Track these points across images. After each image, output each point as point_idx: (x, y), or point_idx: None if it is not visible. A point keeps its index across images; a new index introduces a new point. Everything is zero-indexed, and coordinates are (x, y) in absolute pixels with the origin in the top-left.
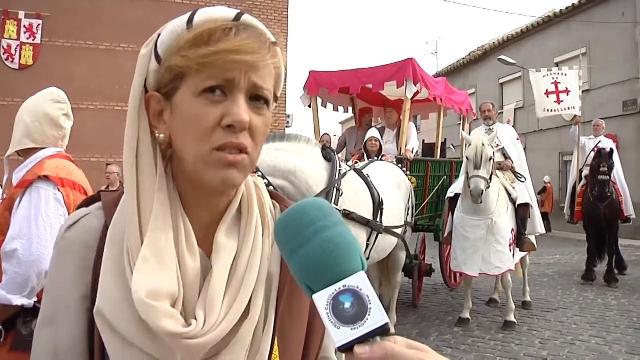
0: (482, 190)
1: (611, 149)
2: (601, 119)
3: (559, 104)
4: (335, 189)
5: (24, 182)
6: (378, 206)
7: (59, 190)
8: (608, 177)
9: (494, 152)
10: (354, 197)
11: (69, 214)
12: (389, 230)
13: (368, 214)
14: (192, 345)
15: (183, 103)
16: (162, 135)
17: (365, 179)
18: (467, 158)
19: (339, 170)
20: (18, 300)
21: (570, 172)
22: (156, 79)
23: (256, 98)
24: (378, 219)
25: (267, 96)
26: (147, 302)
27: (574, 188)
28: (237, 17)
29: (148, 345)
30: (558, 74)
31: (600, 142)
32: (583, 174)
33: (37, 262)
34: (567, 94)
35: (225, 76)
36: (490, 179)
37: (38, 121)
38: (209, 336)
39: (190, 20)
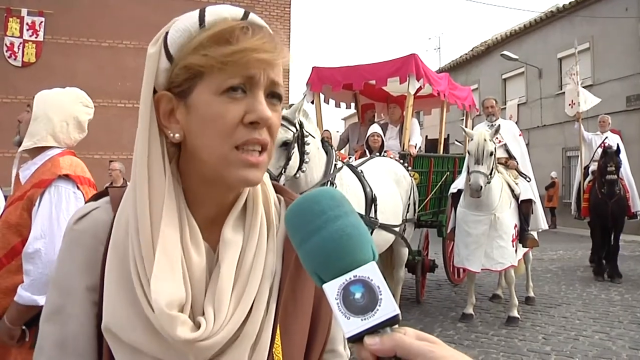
0: (481, 186)
1: (617, 147)
2: (605, 114)
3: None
4: (330, 183)
5: (42, 182)
6: (371, 202)
7: (78, 188)
8: (616, 176)
9: (495, 147)
10: (345, 192)
11: None
12: (384, 227)
13: (359, 209)
14: (203, 347)
15: (202, 102)
16: (177, 135)
17: (357, 174)
18: (468, 152)
19: (334, 164)
20: (44, 300)
21: (577, 167)
22: (167, 77)
23: (272, 95)
24: (372, 215)
25: (281, 92)
26: (168, 312)
27: (580, 184)
28: (245, 16)
29: (159, 352)
30: (572, 75)
31: (607, 137)
32: (590, 170)
33: None
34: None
35: (247, 74)
36: (492, 174)
37: (66, 122)
38: (219, 335)
39: (202, 19)
